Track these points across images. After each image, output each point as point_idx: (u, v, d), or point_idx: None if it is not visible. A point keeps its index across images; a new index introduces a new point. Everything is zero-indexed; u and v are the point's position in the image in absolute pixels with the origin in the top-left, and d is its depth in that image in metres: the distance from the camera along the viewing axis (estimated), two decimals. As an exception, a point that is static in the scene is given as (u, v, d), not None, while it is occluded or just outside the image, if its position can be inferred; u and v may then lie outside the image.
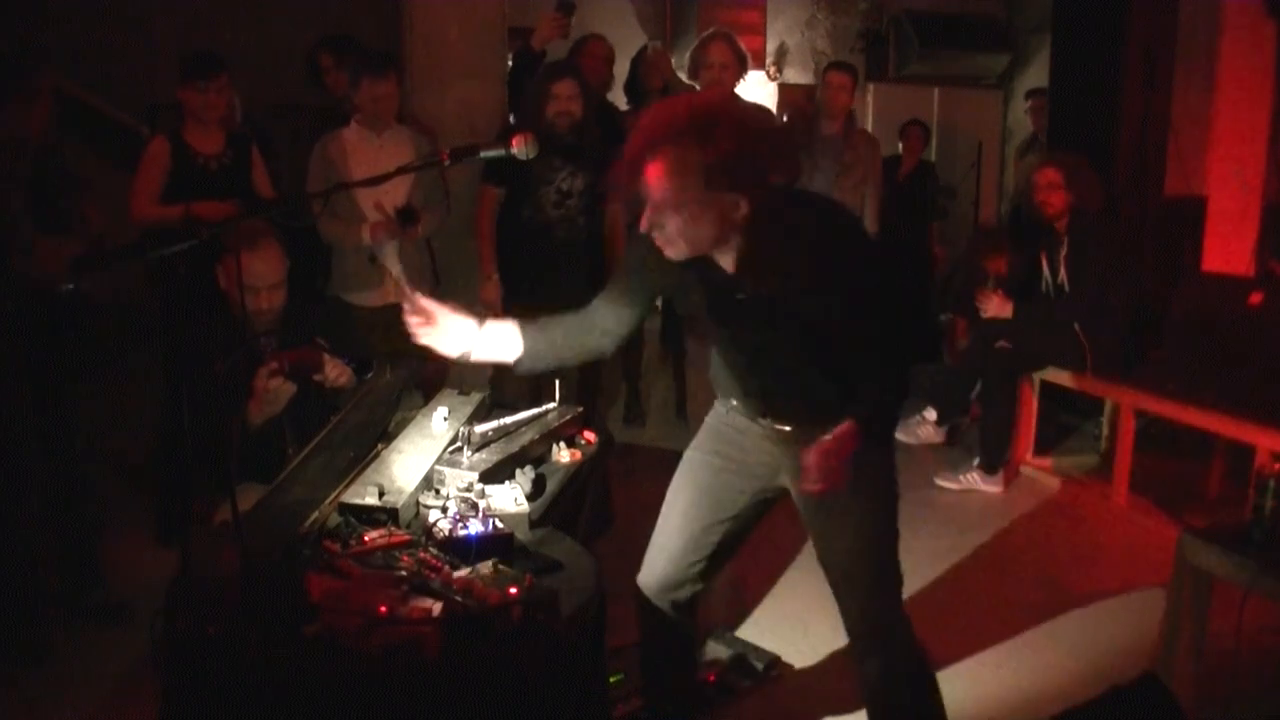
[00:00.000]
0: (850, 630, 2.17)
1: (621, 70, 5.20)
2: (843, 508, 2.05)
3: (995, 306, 4.41)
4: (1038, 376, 4.59)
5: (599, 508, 2.70)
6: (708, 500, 2.23)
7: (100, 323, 3.23)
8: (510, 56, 4.85)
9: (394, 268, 3.49)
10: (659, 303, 5.39)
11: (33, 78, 2.88)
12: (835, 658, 2.91)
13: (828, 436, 1.90)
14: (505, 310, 3.98)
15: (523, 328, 2.10)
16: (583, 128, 3.81)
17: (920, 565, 2.55)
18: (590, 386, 4.46)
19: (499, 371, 4.09)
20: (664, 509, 2.29)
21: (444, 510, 2.09)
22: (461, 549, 1.93)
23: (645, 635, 2.35)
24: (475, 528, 1.98)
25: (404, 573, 1.84)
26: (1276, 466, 2.39)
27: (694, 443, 2.31)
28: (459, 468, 2.26)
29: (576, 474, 2.54)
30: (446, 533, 1.98)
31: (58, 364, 2.96)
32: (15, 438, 2.83)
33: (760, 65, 7.76)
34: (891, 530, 2.12)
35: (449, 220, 4.07)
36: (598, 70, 4.56)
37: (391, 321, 3.78)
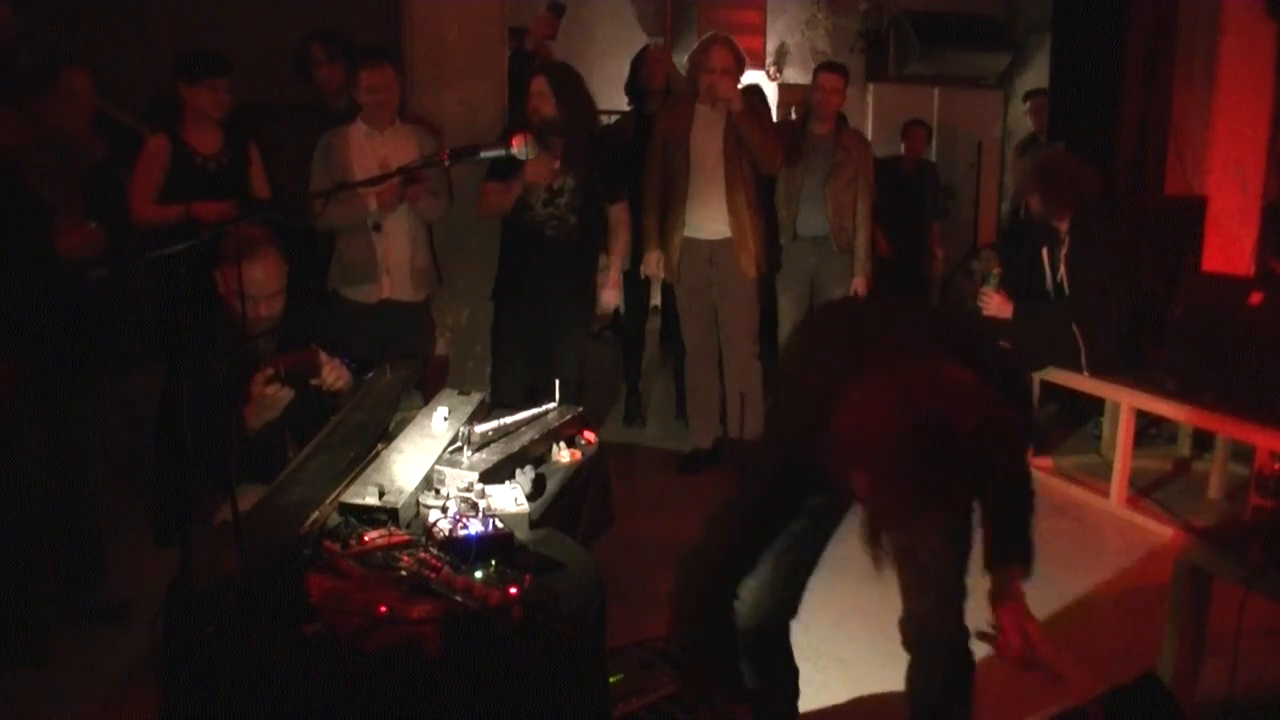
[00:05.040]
0: (913, 631, 2.17)
1: (621, 70, 5.19)
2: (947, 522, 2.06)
3: (995, 306, 4.41)
4: (1038, 376, 4.59)
5: (599, 508, 2.70)
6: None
7: (107, 318, 3.24)
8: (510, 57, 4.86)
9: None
10: (658, 303, 5.44)
11: (65, 75, 2.96)
12: (835, 656, 2.92)
13: (1012, 603, 1.94)
14: (495, 305, 4.06)
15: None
16: (565, 126, 3.81)
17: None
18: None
19: (497, 371, 4.15)
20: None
21: (444, 510, 2.09)
22: (461, 549, 1.93)
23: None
24: (475, 528, 1.98)
25: (404, 573, 1.85)
26: (1276, 466, 2.39)
27: None
28: (459, 468, 2.26)
29: (576, 474, 2.54)
30: (446, 533, 1.98)
31: (65, 358, 2.96)
32: (19, 433, 2.82)
33: (760, 65, 7.76)
34: (969, 541, 2.09)
35: (450, 218, 4.08)
36: None
37: (385, 317, 3.83)
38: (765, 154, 4.27)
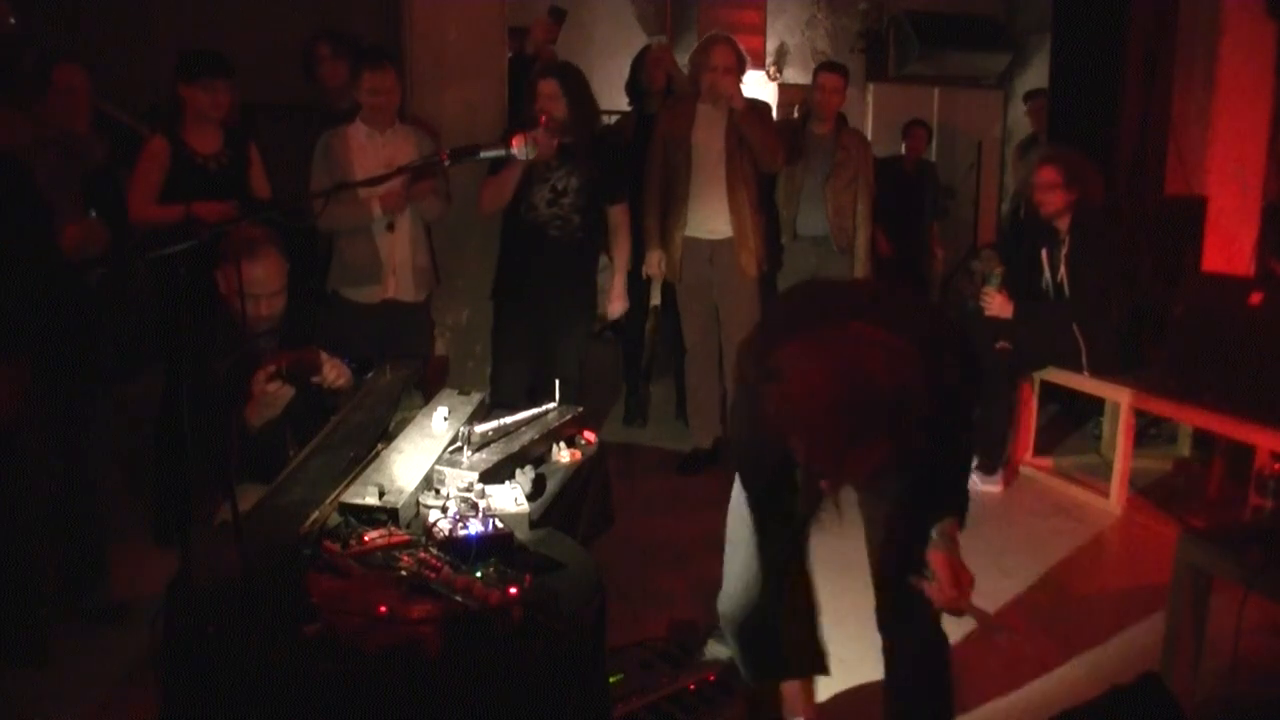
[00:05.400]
0: (881, 609, 2.21)
1: (621, 70, 5.20)
2: (892, 486, 2.08)
3: (997, 306, 4.41)
4: (1038, 376, 4.59)
5: (599, 508, 2.70)
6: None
7: (108, 319, 3.24)
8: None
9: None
10: (657, 303, 5.44)
11: (61, 73, 2.97)
12: (835, 656, 2.91)
13: (948, 551, 1.95)
14: (496, 305, 4.08)
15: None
16: (573, 127, 3.83)
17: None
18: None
19: (497, 371, 4.16)
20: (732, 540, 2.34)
21: (444, 510, 2.09)
22: (461, 549, 1.93)
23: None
24: (475, 528, 1.98)
25: (404, 573, 1.85)
26: (1276, 466, 2.39)
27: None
28: (459, 468, 2.26)
29: (576, 474, 2.54)
30: (446, 533, 1.98)
31: (68, 359, 2.96)
32: (22, 434, 2.82)
33: (760, 65, 7.75)
34: (926, 521, 2.10)
35: (450, 218, 4.08)
36: None
37: (386, 317, 3.83)
38: (767, 152, 4.27)
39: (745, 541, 2.30)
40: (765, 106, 4.50)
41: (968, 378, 1.97)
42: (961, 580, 1.93)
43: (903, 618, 2.18)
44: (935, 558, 1.95)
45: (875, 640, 2.66)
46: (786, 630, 2.44)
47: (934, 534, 1.98)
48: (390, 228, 3.76)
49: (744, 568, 2.31)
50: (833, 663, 2.90)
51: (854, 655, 2.90)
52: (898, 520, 2.14)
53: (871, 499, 2.18)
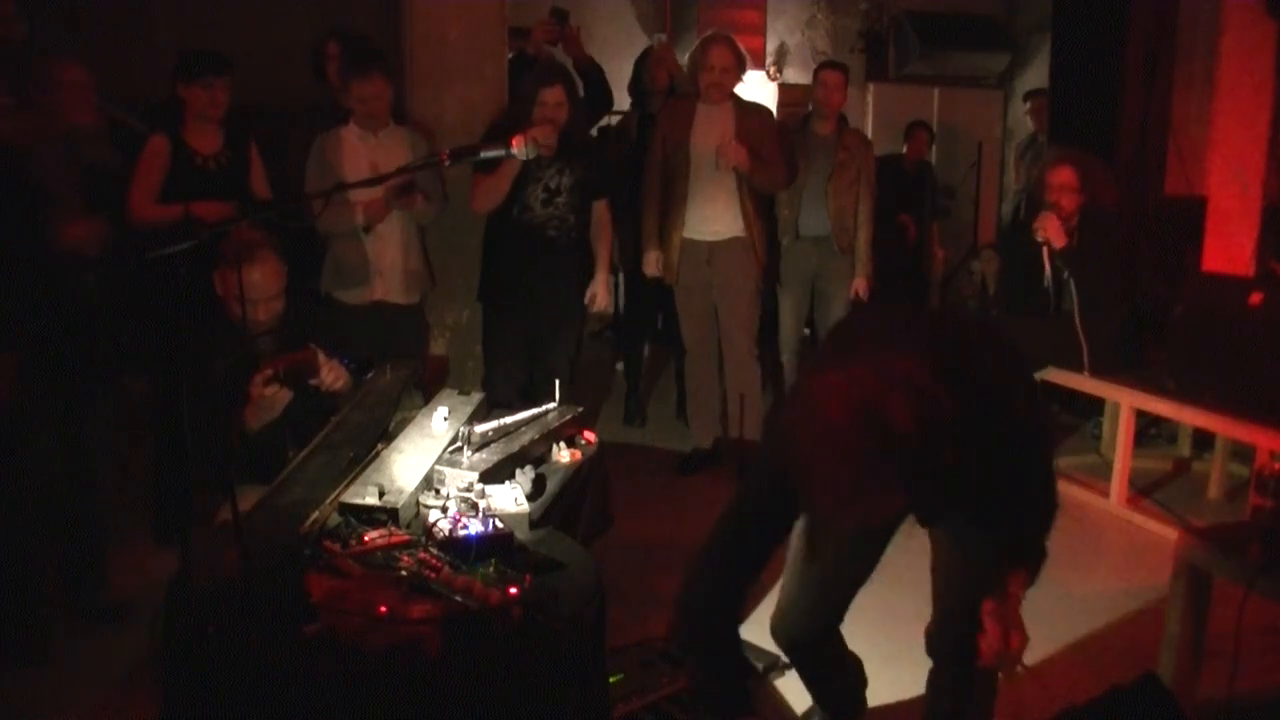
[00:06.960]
0: (932, 639, 2.17)
1: (621, 70, 5.19)
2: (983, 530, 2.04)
3: (1053, 231, 4.35)
4: (1038, 376, 4.58)
5: (599, 508, 2.70)
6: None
7: (107, 320, 3.23)
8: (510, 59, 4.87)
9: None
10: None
11: (53, 70, 2.97)
12: (835, 658, 2.91)
13: (1002, 601, 1.87)
14: (487, 307, 4.08)
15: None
16: (570, 128, 3.84)
17: (919, 566, 2.58)
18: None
19: (491, 373, 4.14)
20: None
21: (444, 510, 2.09)
22: (461, 549, 1.93)
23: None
24: (475, 528, 1.98)
25: (404, 573, 1.85)
26: (1276, 466, 2.38)
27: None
28: (459, 468, 2.26)
29: (576, 474, 2.54)
30: (446, 533, 1.98)
31: (72, 358, 2.96)
32: (25, 434, 2.82)
33: (760, 65, 7.76)
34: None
35: (450, 219, 4.07)
36: None
37: (377, 320, 3.82)
38: (771, 184, 4.35)
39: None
40: (766, 113, 4.48)
41: (1033, 422, 1.85)
42: (1011, 641, 1.83)
43: (948, 647, 2.13)
44: (987, 609, 1.86)
45: (876, 642, 2.67)
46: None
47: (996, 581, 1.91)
48: (367, 230, 3.75)
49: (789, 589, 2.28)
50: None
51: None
52: (956, 559, 2.10)
53: (939, 528, 2.13)
